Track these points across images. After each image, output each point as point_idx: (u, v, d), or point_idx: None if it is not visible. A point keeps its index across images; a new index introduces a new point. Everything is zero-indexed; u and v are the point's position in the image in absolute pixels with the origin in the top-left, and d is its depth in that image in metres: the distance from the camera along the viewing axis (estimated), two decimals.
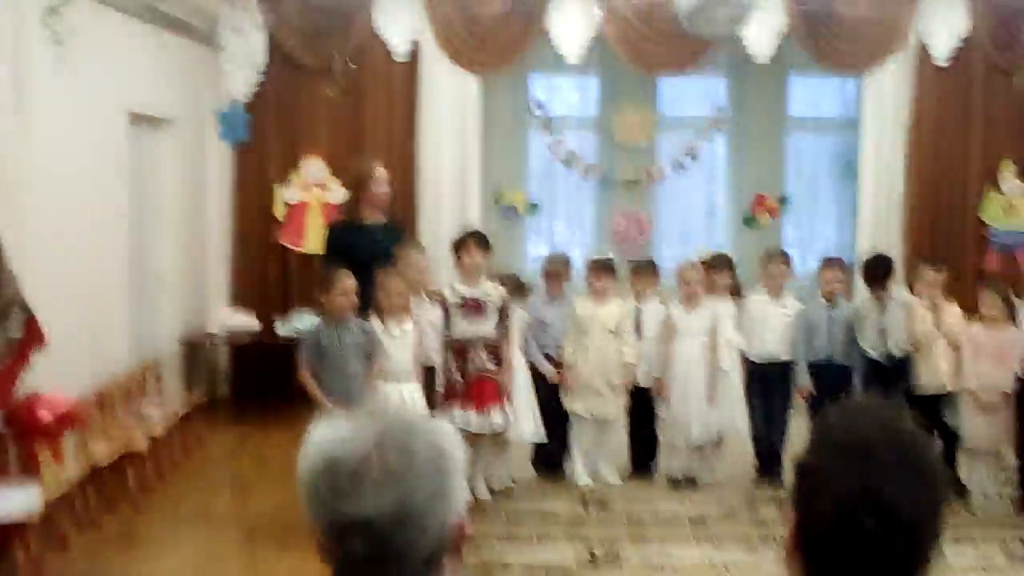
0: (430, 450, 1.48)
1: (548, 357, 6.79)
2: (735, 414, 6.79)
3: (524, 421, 6.55)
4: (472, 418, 6.26)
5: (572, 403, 6.75)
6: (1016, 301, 6.64)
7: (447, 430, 1.56)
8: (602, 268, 6.83)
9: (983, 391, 6.30)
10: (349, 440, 1.48)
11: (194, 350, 8.61)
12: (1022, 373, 6.26)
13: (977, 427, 6.35)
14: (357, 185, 6.55)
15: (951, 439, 6.47)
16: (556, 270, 6.94)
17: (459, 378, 6.31)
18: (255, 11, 8.76)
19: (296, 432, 1.52)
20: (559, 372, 6.74)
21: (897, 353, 6.56)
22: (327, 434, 1.51)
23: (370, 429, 1.48)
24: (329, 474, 1.46)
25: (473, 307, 6.33)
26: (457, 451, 1.54)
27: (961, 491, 6.39)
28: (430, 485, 1.46)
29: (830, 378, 6.51)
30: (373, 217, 6.47)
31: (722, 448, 6.95)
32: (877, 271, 6.74)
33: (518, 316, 6.62)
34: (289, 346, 6.10)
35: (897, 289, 6.81)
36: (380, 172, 6.48)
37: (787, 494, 1.50)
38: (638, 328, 6.82)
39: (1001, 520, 6.19)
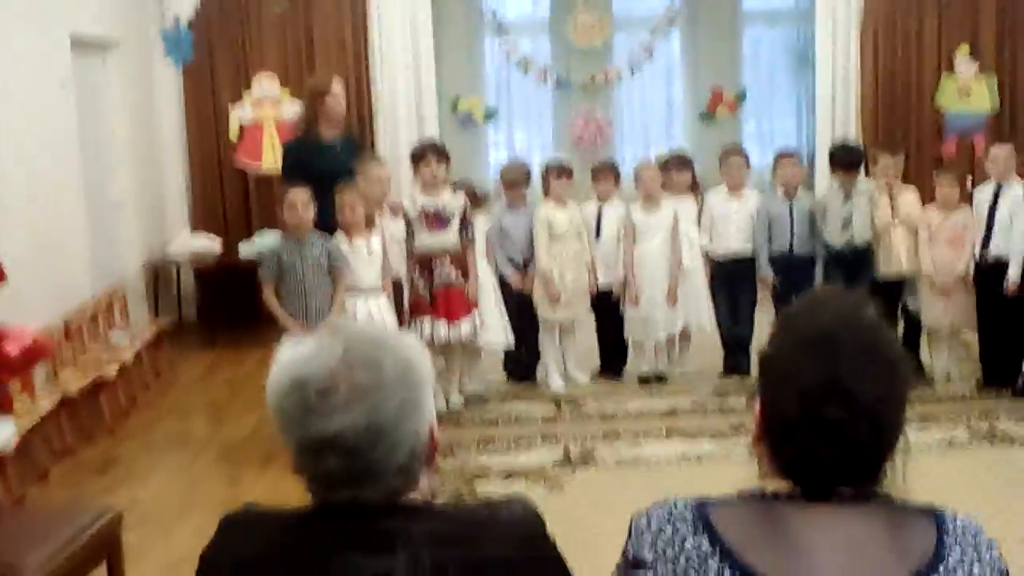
0: (397, 363, 1.49)
1: (511, 263, 6.79)
2: (700, 310, 6.87)
3: (493, 329, 6.58)
4: (441, 328, 6.29)
5: (543, 308, 6.77)
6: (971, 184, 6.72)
7: (413, 342, 1.57)
8: (561, 171, 6.80)
9: (940, 275, 6.39)
10: (315, 358, 1.49)
11: (158, 275, 8.57)
12: (978, 256, 6.35)
13: (936, 310, 6.47)
14: (312, 101, 6.43)
15: (914, 323, 6.59)
16: (514, 179, 6.89)
17: (425, 290, 6.32)
18: None
19: (266, 352, 1.53)
20: (523, 280, 6.76)
21: (860, 242, 6.62)
22: (293, 354, 1.51)
23: (336, 346, 1.49)
24: (297, 393, 1.47)
25: (434, 218, 6.31)
26: (424, 362, 1.55)
27: (924, 374, 6.53)
28: (399, 398, 1.48)
29: (793, 269, 6.58)
30: (330, 133, 6.38)
31: (689, 344, 7.04)
32: (847, 159, 6.74)
33: (480, 224, 6.61)
34: (253, 267, 6.07)
35: (860, 178, 6.83)
36: (336, 87, 6.37)
37: (754, 385, 1.52)
38: (598, 230, 6.83)
39: (964, 399, 6.33)
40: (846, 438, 1.38)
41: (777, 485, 1.45)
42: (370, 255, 5.85)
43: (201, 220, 8.95)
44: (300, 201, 5.56)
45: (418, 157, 6.43)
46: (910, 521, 1.42)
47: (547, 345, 6.89)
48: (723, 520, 1.42)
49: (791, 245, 6.73)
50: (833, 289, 1.54)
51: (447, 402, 6.46)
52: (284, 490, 4.79)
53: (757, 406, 1.50)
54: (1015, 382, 6.34)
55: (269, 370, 1.53)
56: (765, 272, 6.75)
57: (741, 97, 9.36)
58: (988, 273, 6.30)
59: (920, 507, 1.45)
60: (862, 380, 1.39)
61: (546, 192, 6.81)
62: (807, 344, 1.44)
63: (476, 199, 6.72)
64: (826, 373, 1.39)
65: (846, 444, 1.39)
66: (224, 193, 8.96)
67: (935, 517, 1.44)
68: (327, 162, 6.15)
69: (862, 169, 6.85)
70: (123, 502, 4.63)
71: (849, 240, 6.62)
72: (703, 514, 1.43)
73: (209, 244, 8.63)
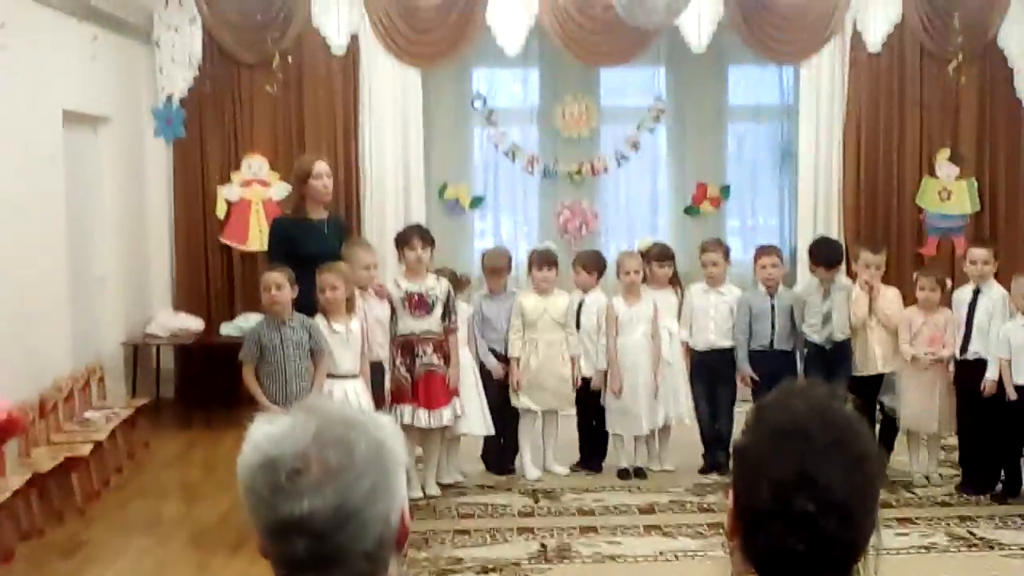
0: (370, 445, 1.47)
1: (493, 352, 6.78)
2: (680, 403, 6.86)
3: (473, 417, 6.54)
4: (422, 414, 6.25)
5: (521, 398, 6.75)
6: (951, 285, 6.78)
7: (387, 423, 1.55)
8: (544, 260, 6.84)
9: (921, 372, 6.40)
10: (287, 437, 1.46)
11: (137, 353, 8.51)
12: (959, 355, 6.38)
13: (916, 409, 6.45)
14: (298, 183, 6.47)
15: (889, 422, 6.58)
16: (496, 265, 6.92)
17: (407, 374, 6.29)
18: (191, 6, 8.65)
19: (243, 433, 1.50)
20: (504, 368, 6.75)
21: (839, 337, 6.65)
22: (265, 432, 1.49)
23: (308, 425, 1.47)
24: (267, 472, 1.44)
25: (418, 303, 6.32)
26: (397, 445, 1.53)
27: (900, 474, 6.51)
28: (370, 481, 1.45)
29: (773, 364, 6.57)
30: (316, 213, 6.41)
31: (669, 438, 7.00)
32: (828, 256, 6.78)
33: (463, 310, 6.61)
34: (234, 347, 6.04)
35: (838, 275, 6.89)
36: (320, 166, 6.38)
37: (727, 500, 1.51)
38: (579, 319, 6.84)
39: (943, 502, 6.30)
40: (816, 532, 1.37)
41: None
42: (348, 338, 5.84)
43: (184, 298, 8.94)
44: (274, 283, 5.56)
45: (403, 241, 6.46)
46: None
47: (525, 435, 6.85)
48: None
49: (772, 340, 6.74)
50: (808, 382, 1.54)
51: (423, 491, 6.39)
52: (254, 575, 4.70)
53: (730, 498, 1.49)
54: (994, 487, 6.31)
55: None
56: (744, 368, 6.75)
57: (725, 192, 9.47)
58: (967, 374, 6.31)
59: None
60: (832, 473, 1.39)
61: (532, 280, 6.84)
62: (779, 435, 1.43)
63: (459, 282, 6.74)
64: (796, 465, 1.39)
65: (816, 538, 1.37)
66: (208, 272, 8.96)
67: None
68: (314, 243, 6.16)
69: (842, 266, 6.89)
70: None
71: (829, 336, 6.64)
72: None
73: (191, 323, 8.60)
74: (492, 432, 6.66)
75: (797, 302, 6.79)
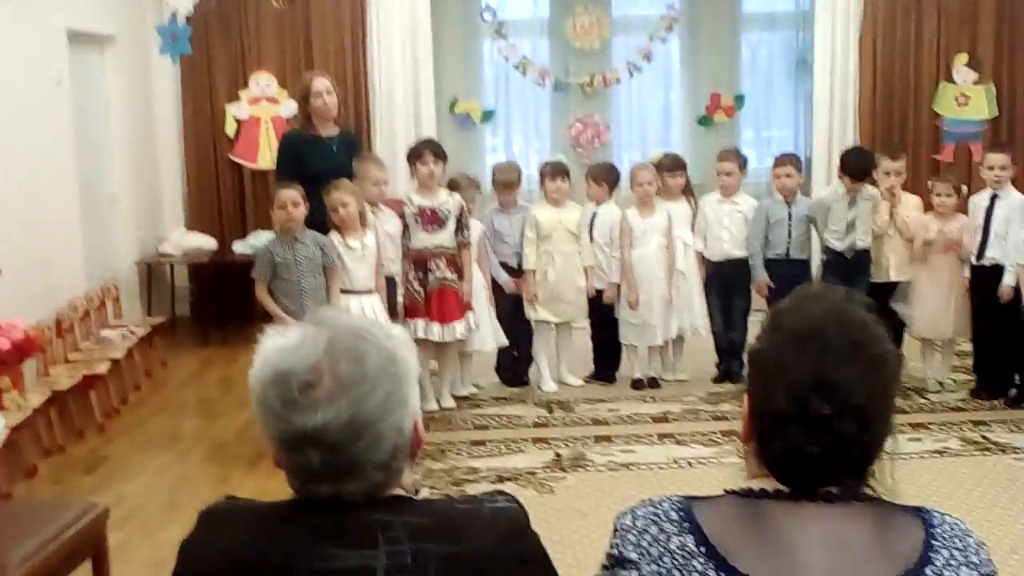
0: (381, 355, 1.47)
1: (504, 266, 6.78)
2: (695, 314, 6.86)
3: (485, 331, 6.57)
4: (435, 328, 6.27)
5: (539, 311, 6.76)
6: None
7: (399, 334, 1.54)
8: (556, 171, 6.79)
9: (936, 280, 6.39)
10: (299, 350, 1.46)
11: (152, 272, 8.54)
12: (975, 261, 6.34)
13: (931, 315, 6.44)
14: (302, 99, 6.40)
15: (897, 328, 6.57)
16: (506, 179, 6.87)
17: (420, 289, 6.30)
18: None
19: (255, 353, 1.50)
20: (516, 282, 6.74)
21: (860, 246, 6.61)
22: (276, 345, 1.49)
23: (320, 338, 1.46)
24: (279, 386, 1.44)
25: (431, 217, 6.29)
26: (410, 355, 1.52)
27: (914, 380, 6.53)
28: (383, 392, 1.45)
29: (788, 272, 6.50)
30: (325, 129, 6.34)
31: (683, 349, 7.02)
32: (861, 166, 6.66)
33: (475, 226, 6.59)
34: (247, 264, 6.04)
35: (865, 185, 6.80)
36: (319, 84, 6.27)
37: (744, 384, 1.50)
38: (592, 232, 6.81)
39: (956, 407, 6.32)
40: (833, 434, 1.36)
41: (765, 484, 1.43)
42: (363, 253, 5.83)
43: (196, 217, 8.93)
44: (290, 200, 5.54)
45: (415, 156, 6.41)
46: (898, 521, 1.40)
47: (540, 348, 6.87)
48: (709, 519, 1.40)
49: (787, 249, 6.71)
50: (824, 286, 1.52)
51: (438, 403, 6.44)
52: (272, 489, 4.76)
53: (746, 402, 1.48)
54: (1008, 392, 6.33)
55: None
56: (761, 277, 6.72)
57: (739, 101, 9.35)
58: (983, 280, 6.28)
59: (908, 508, 1.43)
60: (849, 376, 1.38)
61: (545, 192, 6.80)
62: (795, 339, 1.42)
63: (469, 185, 6.71)
64: (813, 368, 1.38)
65: (833, 440, 1.37)
66: (220, 190, 8.94)
67: (923, 518, 1.42)
68: (322, 159, 6.12)
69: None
70: (110, 500, 4.58)
71: (851, 244, 6.60)
72: (689, 513, 1.41)
73: (204, 241, 8.61)
74: (505, 344, 6.69)
75: (820, 208, 6.73)
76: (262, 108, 8.80)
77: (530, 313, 6.79)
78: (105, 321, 7.26)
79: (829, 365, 1.38)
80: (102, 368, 6.35)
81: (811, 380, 1.37)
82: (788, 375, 1.39)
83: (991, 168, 6.33)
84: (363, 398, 1.43)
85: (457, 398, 6.60)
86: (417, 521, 1.46)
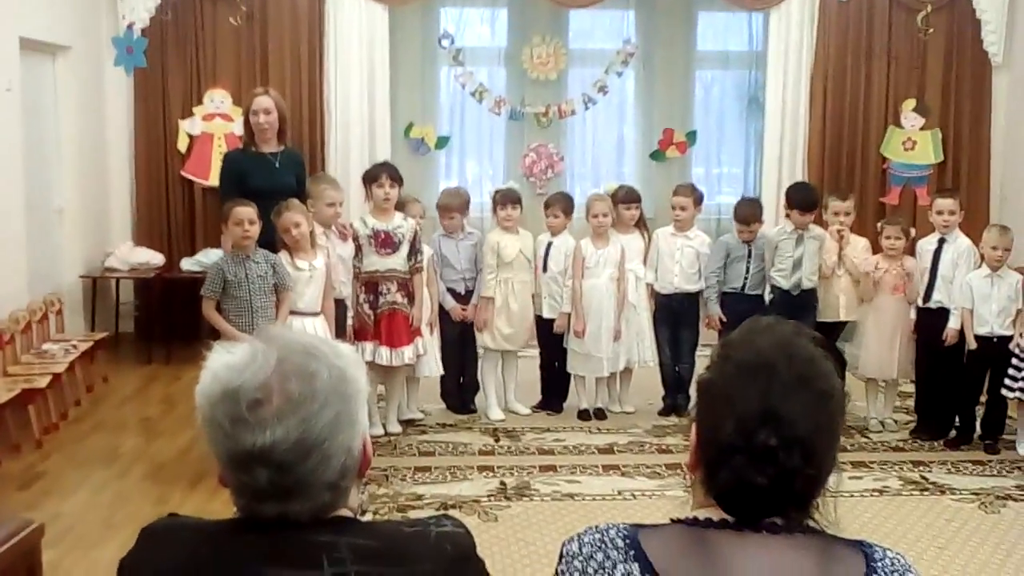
0: (332, 374, 1.46)
1: (451, 292, 6.77)
2: (644, 346, 6.90)
3: (432, 355, 6.56)
4: (384, 352, 6.24)
5: (496, 338, 6.76)
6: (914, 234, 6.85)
7: (348, 352, 1.54)
8: (508, 199, 6.81)
9: (883, 321, 6.49)
10: (247, 367, 1.44)
11: (96, 286, 8.42)
12: (921, 304, 6.45)
13: (876, 355, 6.53)
14: (245, 115, 6.41)
15: (843, 367, 6.63)
16: (451, 204, 6.87)
17: (370, 312, 6.27)
18: None
19: (202, 369, 1.48)
20: (463, 308, 6.74)
21: (807, 285, 6.70)
22: (224, 361, 1.47)
23: (269, 355, 1.45)
24: (228, 403, 1.42)
25: (384, 241, 6.28)
26: (359, 374, 1.51)
27: (856, 419, 6.60)
28: (333, 411, 1.44)
29: (743, 308, 6.51)
30: (267, 146, 6.33)
31: (630, 381, 7.05)
32: (806, 199, 6.78)
33: (426, 250, 6.58)
34: (195, 281, 5.98)
35: (812, 223, 6.89)
36: (259, 102, 6.28)
37: (691, 412, 1.52)
38: (546, 261, 6.83)
39: (897, 447, 6.40)
40: (778, 466, 1.38)
41: (711, 513, 1.44)
42: (312, 275, 5.80)
43: (144, 232, 8.83)
44: (247, 218, 5.50)
45: (371, 178, 6.39)
46: (840, 554, 1.41)
47: (488, 375, 6.87)
48: (654, 547, 1.40)
49: (744, 284, 6.77)
50: (774, 319, 1.54)
51: (384, 428, 6.41)
52: (213, 510, 4.70)
53: (693, 431, 1.49)
54: (948, 434, 6.42)
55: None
56: (713, 311, 6.77)
57: (691, 138, 9.45)
58: (929, 322, 6.39)
59: (851, 541, 1.44)
60: (796, 409, 1.39)
61: (497, 219, 6.82)
62: (744, 371, 1.43)
63: (416, 207, 6.72)
64: (761, 400, 1.39)
65: (778, 472, 1.38)
66: (169, 206, 8.84)
67: (865, 551, 1.43)
68: (264, 176, 6.13)
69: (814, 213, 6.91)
70: (46, 517, 4.49)
71: (797, 283, 6.69)
72: (635, 540, 1.42)
73: (151, 257, 8.51)
74: (442, 372, 6.67)
75: (768, 245, 6.82)
76: (215, 125, 8.73)
77: (484, 341, 6.78)
78: (47, 334, 7.14)
79: (777, 397, 1.39)
80: (42, 383, 6.23)
81: (759, 411, 1.39)
82: (736, 406, 1.41)
83: (940, 213, 6.44)
84: (313, 417, 1.42)
85: (403, 422, 6.57)
86: (362, 543, 1.45)
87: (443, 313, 6.72)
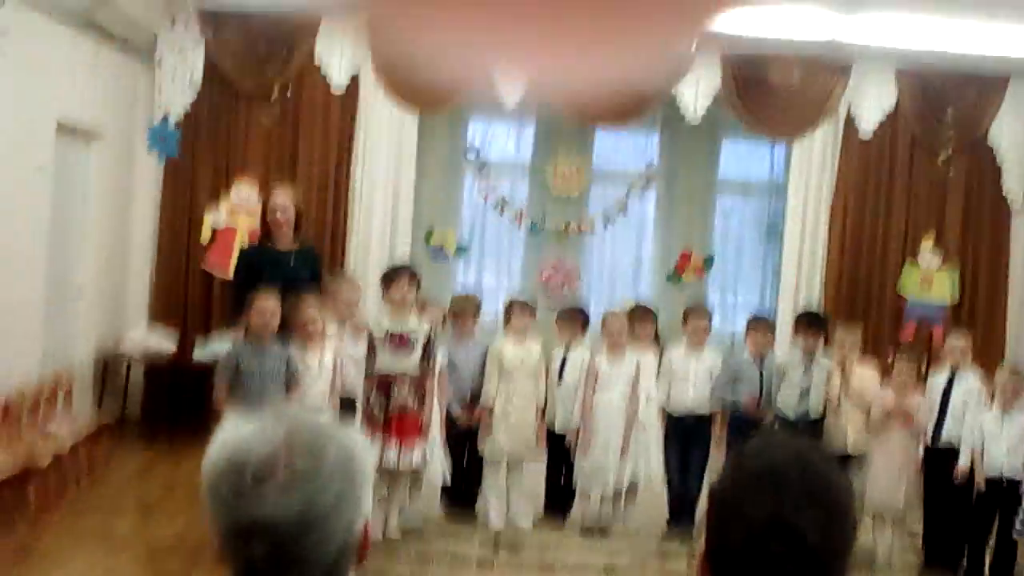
0: (339, 453, 1.45)
1: (459, 399, 6.76)
2: (651, 464, 6.82)
3: (437, 461, 6.49)
4: (391, 454, 6.19)
5: (497, 446, 6.70)
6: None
7: (357, 436, 1.53)
8: (522, 308, 6.84)
9: (891, 454, 6.42)
10: (255, 440, 1.44)
11: (108, 368, 8.42)
12: (929, 441, 6.39)
13: (883, 489, 6.44)
14: (263, 214, 6.54)
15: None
16: (463, 309, 6.90)
17: (380, 412, 6.24)
18: (195, 30, 8.68)
19: (205, 456, 1.48)
20: (470, 414, 6.71)
21: (813, 416, 6.66)
22: (235, 434, 1.47)
23: (278, 430, 1.45)
24: (233, 474, 1.42)
25: (399, 341, 6.28)
26: (366, 456, 1.51)
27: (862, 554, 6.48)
28: (337, 489, 1.43)
29: (753, 430, 6.52)
30: (283, 243, 6.42)
31: (635, 498, 6.95)
32: (813, 322, 6.82)
33: (440, 354, 6.58)
34: (205, 370, 5.99)
35: (820, 352, 6.90)
36: (275, 200, 6.45)
37: (698, 545, 1.50)
38: (561, 374, 6.82)
39: None
40: None
41: None
42: (320, 372, 5.81)
43: (160, 317, 8.86)
44: (269, 309, 5.56)
45: (390, 279, 6.42)
46: None
47: (490, 481, 6.79)
48: None
49: (758, 405, 6.74)
50: (788, 433, 1.53)
51: (384, 531, 6.31)
52: None
53: (703, 540, 1.47)
54: (956, 571, 6.29)
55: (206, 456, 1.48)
56: (722, 433, 6.73)
57: (708, 263, 9.51)
58: (938, 459, 6.33)
59: None
60: (807, 522, 1.38)
61: (508, 327, 6.82)
62: (757, 480, 1.42)
63: (437, 311, 6.73)
64: (772, 511, 1.38)
65: None
66: (187, 292, 8.89)
67: None
68: (278, 270, 6.20)
69: (822, 341, 6.91)
70: None
71: (803, 414, 6.65)
72: None
73: (163, 342, 8.52)
74: (448, 483, 6.60)
75: (778, 370, 6.81)
76: (240, 219, 8.83)
77: (484, 451, 6.73)
78: (54, 413, 7.11)
79: (788, 509, 1.38)
80: (44, 461, 6.19)
81: (769, 522, 1.37)
82: (747, 515, 1.39)
83: (952, 350, 6.46)
84: (316, 494, 1.41)
85: (403, 528, 6.45)
86: None
87: (448, 419, 6.68)
